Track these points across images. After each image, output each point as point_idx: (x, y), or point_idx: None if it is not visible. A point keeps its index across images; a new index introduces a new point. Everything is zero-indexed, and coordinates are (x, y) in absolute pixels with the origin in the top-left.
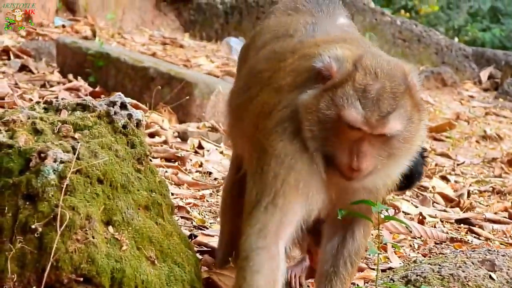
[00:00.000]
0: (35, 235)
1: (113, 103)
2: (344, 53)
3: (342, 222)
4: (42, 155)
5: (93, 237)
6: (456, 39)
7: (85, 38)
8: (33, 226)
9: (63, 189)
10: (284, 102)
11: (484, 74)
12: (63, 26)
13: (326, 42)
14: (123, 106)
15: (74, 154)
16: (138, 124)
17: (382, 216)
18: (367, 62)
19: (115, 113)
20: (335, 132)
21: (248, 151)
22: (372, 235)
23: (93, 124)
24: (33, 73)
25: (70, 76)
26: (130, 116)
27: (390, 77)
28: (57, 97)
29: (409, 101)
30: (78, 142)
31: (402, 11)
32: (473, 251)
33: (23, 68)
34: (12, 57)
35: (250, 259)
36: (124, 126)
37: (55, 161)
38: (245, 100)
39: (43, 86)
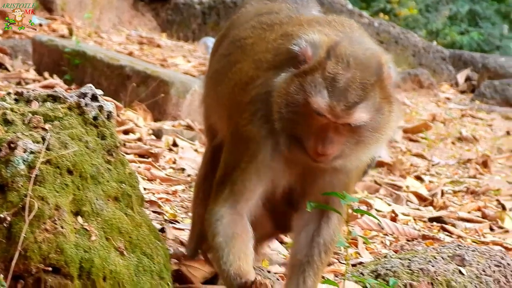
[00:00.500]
0: (4, 224)
1: (84, 95)
2: (321, 39)
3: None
4: (12, 145)
5: (62, 227)
6: (435, 42)
7: (62, 36)
8: (1, 216)
9: (32, 179)
10: (261, 79)
11: (461, 76)
12: (40, 24)
13: (310, 22)
14: (94, 97)
15: (44, 144)
16: (109, 116)
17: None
18: (341, 50)
19: (86, 104)
20: (303, 117)
21: (224, 119)
22: (344, 231)
23: (64, 115)
24: (8, 70)
25: (46, 74)
26: (101, 108)
27: (363, 67)
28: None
29: (379, 93)
30: (48, 133)
31: (381, 14)
32: (443, 246)
33: None
34: None
35: (209, 225)
36: (95, 118)
37: (25, 151)
38: (225, 65)
39: (18, 84)
